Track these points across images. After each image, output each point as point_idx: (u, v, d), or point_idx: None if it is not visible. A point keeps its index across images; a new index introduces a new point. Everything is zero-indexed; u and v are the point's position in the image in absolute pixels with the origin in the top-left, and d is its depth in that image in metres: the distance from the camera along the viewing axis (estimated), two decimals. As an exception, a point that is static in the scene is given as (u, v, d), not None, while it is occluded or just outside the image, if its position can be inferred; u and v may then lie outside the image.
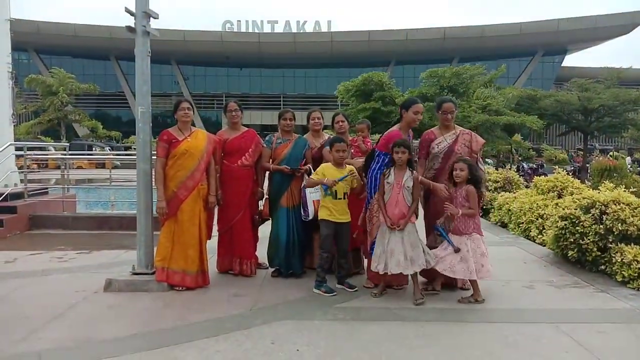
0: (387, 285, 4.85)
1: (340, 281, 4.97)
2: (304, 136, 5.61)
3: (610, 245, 5.41)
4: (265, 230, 5.54)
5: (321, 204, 4.86)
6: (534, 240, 7.35)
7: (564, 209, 5.92)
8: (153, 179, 5.05)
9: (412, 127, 5.02)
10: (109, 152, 30.03)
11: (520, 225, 8.04)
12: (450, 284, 4.96)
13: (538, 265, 6.01)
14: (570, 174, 9.43)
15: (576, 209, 5.77)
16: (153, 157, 5.08)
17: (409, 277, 4.76)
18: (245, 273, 5.34)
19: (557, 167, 10.17)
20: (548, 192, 8.50)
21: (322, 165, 4.95)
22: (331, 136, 5.70)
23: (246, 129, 5.56)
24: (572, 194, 7.35)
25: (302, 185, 5.17)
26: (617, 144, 45.43)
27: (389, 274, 4.59)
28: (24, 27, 45.70)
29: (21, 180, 9.29)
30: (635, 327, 4.01)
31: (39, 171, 17.90)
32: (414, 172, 4.67)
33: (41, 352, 3.43)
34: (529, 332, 3.87)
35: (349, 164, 4.96)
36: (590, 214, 5.62)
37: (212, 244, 5.28)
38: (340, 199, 4.77)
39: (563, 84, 39.13)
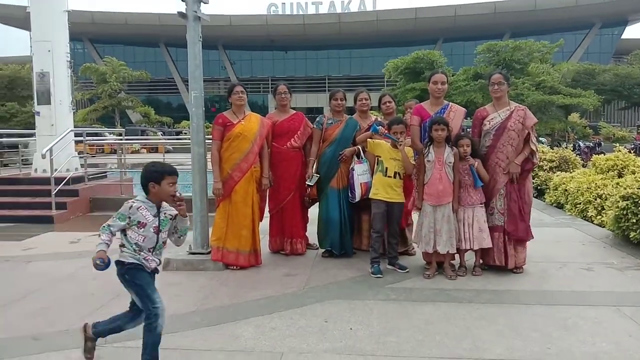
0: (440, 264, 4.82)
1: (391, 262, 4.97)
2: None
3: (677, 226, 5.15)
4: (314, 212, 5.59)
5: (373, 182, 4.85)
6: (592, 222, 7.09)
7: (625, 189, 5.67)
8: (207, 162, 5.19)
9: (436, 98, 4.96)
10: (162, 137, 30.95)
11: (578, 205, 7.76)
12: (501, 267, 4.85)
13: (597, 247, 5.79)
14: (632, 152, 8.98)
15: (639, 189, 5.50)
16: (206, 141, 5.21)
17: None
18: (297, 251, 5.44)
19: (618, 144, 9.68)
20: (607, 172, 8.14)
21: (378, 141, 4.88)
22: (378, 117, 5.66)
23: (294, 111, 5.59)
24: (633, 172, 7.01)
25: (350, 166, 5.18)
26: (683, 120, 42.75)
27: (439, 252, 4.63)
28: (80, 18, 47.40)
29: (81, 165, 9.74)
30: None
31: (94, 156, 18.70)
32: (454, 148, 4.61)
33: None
34: (588, 315, 3.75)
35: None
36: (655, 194, 5.35)
37: (264, 225, 5.39)
38: (390, 177, 4.73)
39: (623, 57, 37.10)
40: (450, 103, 5.06)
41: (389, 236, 4.93)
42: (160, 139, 24.73)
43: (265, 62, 56.50)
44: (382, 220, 4.78)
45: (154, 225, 2.97)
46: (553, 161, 10.60)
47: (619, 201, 5.64)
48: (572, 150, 12.07)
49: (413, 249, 5.48)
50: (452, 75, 25.50)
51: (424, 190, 4.69)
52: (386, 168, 4.75)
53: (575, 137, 29.45)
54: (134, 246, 2.94)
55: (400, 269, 4.90)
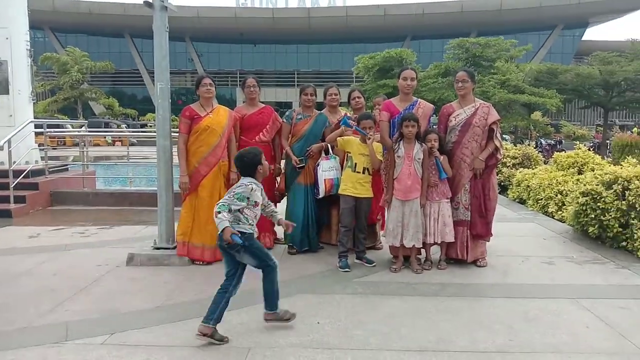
0: (406, 258, 4.87)
1: (359, 256, 5.00)
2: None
3: (632, 221, 5.34)
4: (282, 208, 5.56)
5: (342, 177, 4.86)
6: (552, 217, 7.29)
7: (585, 185, 5.84)
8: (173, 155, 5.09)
9: (405, 93, 5.01)
10: (126, 129, 30.25)
11: (539, 201, 7.97)
12: (461, 260, 4.95)
13: (557, 242, 5.96)
14: (591, 150, 9.28)
15: (598, 185, 5.69)
16: (173, 134, 5.11)
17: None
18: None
19: (578, 142, 9.99)
20: (568, 168, 8.40)
21: (348, 138, 4.89)
22: (347, 113, 5.67)
23: (263, 105, 5.54)
24: (593, 170, 7.24)
25: (316, 163, 5.18)
26: (638, 120, 44.46)
27: (405, 246, 4.71)
28: (40, 5, 45.72)
29: (41, 158, 9.41)
30: (657, 303, 3.98)
31: (56, 148, 18.16)
32: (423, 144, 4.67)
33: (68, 323, 3.51)
34: (549, 307, 3.86)
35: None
36: (613, 190, 5.53)
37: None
38: (359, 172, 4.76)
39: (583, 58, 38.29)
40: (419, 99, 5.11)
41: (357, 231, 4.96)
42: (124, 131, 24.15)
43: (234, 55, 55.85)
44: (351, 215, 4.80)
45: (262, 203, 3.51)
46: (516, 158, 10.86)
47: (578, 197, 5.81)
48: (534, 148, 12.39)
49: (380, 243, 5.53)
50: (421, 72, 25.79)
51: (394, 186, 4.73)
52: (355, 164, 4.76)
53: (537, 134, 30.27)
54: (250, 220, 3.41)
55: (368, 263, 4.93)
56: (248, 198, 3.36)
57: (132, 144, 19.53)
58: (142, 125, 35.05)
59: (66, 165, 10.54)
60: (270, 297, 3.54)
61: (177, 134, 5.00)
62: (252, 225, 3.42)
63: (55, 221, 7.32)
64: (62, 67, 39.46)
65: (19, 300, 4.03)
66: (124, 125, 34.09)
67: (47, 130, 9.88)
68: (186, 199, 4.94)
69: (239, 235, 3.23)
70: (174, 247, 4.98)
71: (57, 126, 21.27)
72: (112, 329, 3.43)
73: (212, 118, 4.94)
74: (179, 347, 3.19)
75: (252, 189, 3.36)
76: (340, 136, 4.95)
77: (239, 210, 3.33)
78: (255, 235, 3.48)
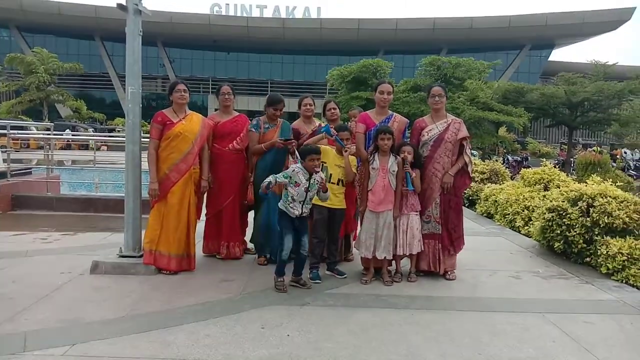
0: (377, 270, 4.87)
1: (330, 268, 4.97)
2: (295, 122, 5.56)
3: (595, 237, 5.49)
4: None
5: None
6: (519, 231, 7.43)
7: (551, 201, 5.98)
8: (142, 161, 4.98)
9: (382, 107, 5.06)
10: (94, 133, 29.52)
11: (506, 216, 8.12)
12: (434, 272, 5.00)
13: (524, 256, 6.07)
14: (556, 167, 9.53)
15: (564, 202, 5.83)
16: (143, 139, 5.01)
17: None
18: (233, 255, 5.32)
19: (544, 159, 10.25)
20: (535, 184, 8.59)
21: (325, 147, 4.83)
22: (322, 123, 5.66)
23: (237, 113, 5.49)
24: (558, 186, 7.43)
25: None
26: (600, 139, 46.02)
27: (377, 258, 4.72)
28: (6, 3, 44.62)
29: (3, 160, 9.10)
30: (619, 317, 4.07)
31: (19, 150, 17.59)
32: (398, 157, 4.71)
33: (27, 333, 3.36)
34: (516, 321, 3.91)
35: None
36: (578, 207, 5.68)
37: (199, 228, 5.23)
38: (334, 183, 4.74)
39: (549, 78, 39.49)
40: (394, 113, 5.15)
41: (329, 242, 4.94)
42: (92, 135, 23.56)
43: (207, 62, 55.38)
44: (324, 226, 4.77)
45: (305, 186, 4.35)
46: (484, 173, 11.07)
47: (545, 213, 5.94)
48: (502, 164, 12.65)
49: (351, 255, 5.52)
50: (396, 85, 26.14)
51: (368, 197, 4.74)
52: (330, 174, 4.76)
53: (505, 151, 30.97)
54: (289, 198, 4.38)
55: (339, 274, 4.91)
56: (290, 177, 4.35)
57: (100, 149, 19.06)
58: (110, 130, 34.31)
59: (30, 168, 10.21)
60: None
61: (147, 140, 4.89)
62: (292, 202, 4.37)
63: (16, 226, 7.06)
64: (28, 67, 38.39)
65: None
66: (91, 129, 33.29)
67: (11, 132, 9.55)
68: (155, 205, 4.83)
69: (268, 192, 4.40)
70: (141, 256, 4.85)
71: (21, 128, 20.63)
72: (74, 339, 3.30)
73: (184, 125, 4.86)
74: (143, 358, 3.09)
75: (293, 170, 4.39)
76: (318, 144, 4.92)
77: (285, 187, 4.40)
78: (295, 213, 4.39)
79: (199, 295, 4.27)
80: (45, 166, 9.44)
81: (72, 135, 20.94)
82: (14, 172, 8.90)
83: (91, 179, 11.35)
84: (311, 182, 4.36)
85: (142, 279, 4.62)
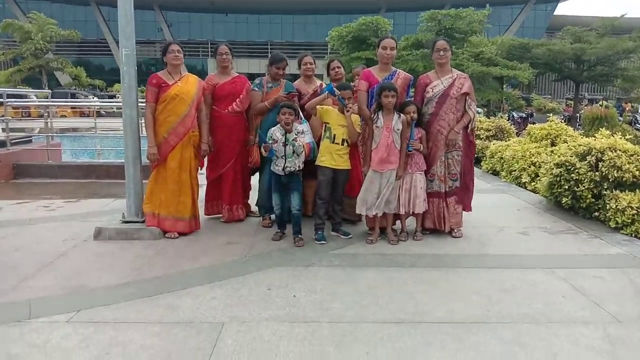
0: (382, 230, 4.82)
1: (335, 228, 4.92)
2: (295, 82, 5.41)
3: (604, 192, 5.39)
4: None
5: (320, 149, 4.72)
6: (526, 188, 7.34)
7: (559, 157, 5.86)
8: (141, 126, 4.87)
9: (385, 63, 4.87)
10: (94, 100, 29.27)
11: (512, 172, 8.02)
12: (440, 230, 4.94)
13: (531, 212, 6.00)
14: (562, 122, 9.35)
15: (572, 156, 5.71)
16: (140, 104, 4.89)
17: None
18: (236, 217, 5.28)
19: (550, 115, 10.06)
20: (541, 140, 8.44)
21: (327, 107, 4.74)
22: (324, 83, 5.51)
23: (237, 74, 5.32)
24: (566, 142, 7.29)
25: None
26: (606, 94, 45.35)
27: (378, 215, 4.66)
28: (-2, -31, 43.47)
29: (2, 129, 8.99)
30: (629, 271, 4.02)
31: (21, 119, 17.45)
32: (402, 115, 4.57)
33: (31, 301, 3.34)
34: (525, 277, 3.86)
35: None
36: (586, 161, 5.56)
37: (201, 191, 5.17)
38: (337, 143, 4.63)
39: (555, 32, 38.62)
40: (398, 69, 4.98)
41: (333, 202, 4.86)
42: (91, 102, 23.33)
43: (205, 24, 54.33)
44: (328, 187, 4.69)
45: (281, 141, 4.48)
46: (490, 130, 10.92)
47: (552, 168, 5.84)
48: (507, 121, 12.46)
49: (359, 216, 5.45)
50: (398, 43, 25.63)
51: (371, 156, 4.63)
52: (334, 135, 4.63)
53: (509, 108, 30.59)
54: (274, 156, 4.55)
55: (344, 235, 4.86)
56: (270, 136, 4.53)
57: (100, 115, 18.89)
58: (111, 97, 33.98)
59: (30, 136, 10.10)
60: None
61: (144, 104, 4.77)
62: (276, 161, 4.55)
63: (18, 195, 7.02)
64: (25, 35, 37.75)
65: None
66: (91, 96, 32.99)
67: (8, 100, 9.41)
68: (154, 170, 4.75)
69: (269, 149, 4.51)
70: (144, 221, 4.81)
71: (21, 96, 20.41)
72: (79, 306, 3.27)
73: (180, 86, 4.72)
74: (149, 323, 3.06)
75: (272, 130, 4.58)
76: (321, 103, 4.80)
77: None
78: (277, 169, 4.55)
79: (203, 258, 4.24)
80: (46, 134, 9.33)
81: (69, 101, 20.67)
82: (14, 141, 8.80)
83: (93, 145, 11.22)
84: (287, 137, 4.48)
85: (146, 244, 4.58)
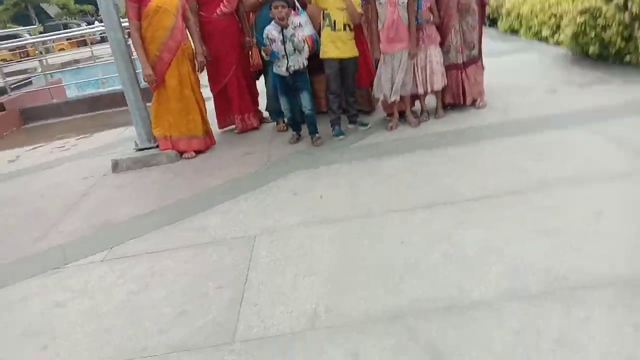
0: (402, 113, 4.60)
1: (352, 120, 4.73)
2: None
3: (636, 34, 4.94)
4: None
5: (322, 39, 4.36)
6: (548, 42, 6.87)
7: (583, 2, 5.35)
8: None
9: None
10: (87, 28, 28.23)
11: (532, 28, 7.47)
12: (458, 104, 4.70)
13: (557, 68, 5.65)
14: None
15: (597, 1, 5.20)
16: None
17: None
18: (250, 126, 5.13)
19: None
20: (561, -13, 7.73)
21: None
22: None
23: (218, -29, 4.85)
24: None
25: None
26: None
27: (397, 100, 4.42)
28: None
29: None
30: (668, 114, 3.78)
31: (20, 61, 17.05)
32: None
33: (64, 247, 3.36)
34: (557, 138, 3.66)
35: None
36: (614, 3, 5.06)
37: (209, 106, 4.99)
38: (339, 30, 4.27)
39: None
40: None
41: (346, 94, 4.61)
42: (82, 30, 22.48)
43: None
44: (337, 80, 4.41)
45: (279, 39, 4.14)
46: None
47: (576, 17, 5.37)
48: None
49: (375, 104, 5.22)
50: None
51: (380, 37, 4.28)
52: (334, 21, 4.24)
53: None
54: (275, 54, 4.20)
55: (362, 125, 4.68)
56: (267, 37, 4.19)
57: (96, 42, 18.25)
58: (101, 21, 32.75)
59: (28, 78, 9.85)
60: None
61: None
62: (278, 62, 4.23)
63: (32, 140, 6.95)
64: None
65: (9, 229, 3.84)
66: (84, 24, 31.80)
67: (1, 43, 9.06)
68: (155, 92, 4.54)
69: (270, 52, 4.20)
70: (157, 146, 4.71)
71: (12, 36, 19.79)
72: (110, 243, 3.28)
73: (161, -3, 4.34)
74: (181, 248, 3.06)
75: (268, 29, 4.19)
76: None
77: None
78: (281, 71, 4.23)
79: (223, 174, 4.16)
80: (44, 73, 9.07)
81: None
82: (13, 86, 8.59)
83: (94, 75, 10.91)
84: (284, 33, 4.13)
85: (164, 169, 4.52)
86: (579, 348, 1.78)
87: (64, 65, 13.92)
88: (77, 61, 15.32)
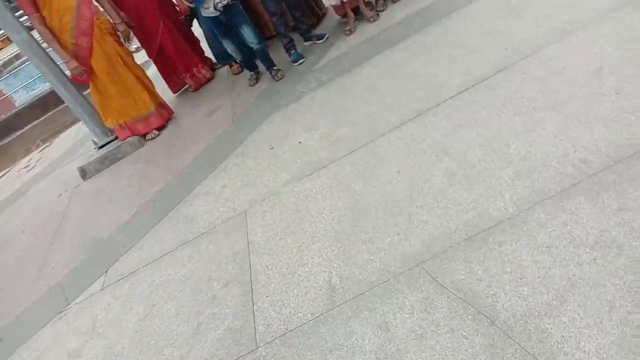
0: (356, 11, 4.13)
1: (306, 37, 4.28)
2: None
3: None
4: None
5: None
6: None
7: None
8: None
9: None
10: None
11: None
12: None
13: None
14: None
15: None
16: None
17: None
18: (204, 80, 4.71)
19: None
20: None
21: None
22: None
23: None
24: None
25: None
26: None
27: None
28: None
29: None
30: None
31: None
32: None
33: (62, 283, 3.14)
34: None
35: None
36: None
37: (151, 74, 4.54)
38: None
39: None
40: None
41: (290, 9, 4.12)
42: None
43: None
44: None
45: None
46: None
47: None
48: None
49: (325, 8, 4.70)
50: None
51: None
52: None
53: None
54: (202, 2, 3.67)
55: (319, 39, 4.24)
56: None
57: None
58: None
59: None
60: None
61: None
62: (204, 3, 3.65)
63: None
64: None
65: (8, 275, 3.64)
66: None
67: None
68: (90, 83, 4.10)
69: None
70: (117, 137, 4.35)
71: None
72: (104, 264, 3.06)
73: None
74: (175, 250, 2.82)
75: None
76: None
77: None
78: (207, 13, 3.67)
79: (194, 145, 3.84)
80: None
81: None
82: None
83: (33, 73, 10.11)
84: None
85: (132, 159, 4.21)
86: (618, 248, 1.56)
87: (5, 65, 12.96)
88: (17, 57, 14.28)
